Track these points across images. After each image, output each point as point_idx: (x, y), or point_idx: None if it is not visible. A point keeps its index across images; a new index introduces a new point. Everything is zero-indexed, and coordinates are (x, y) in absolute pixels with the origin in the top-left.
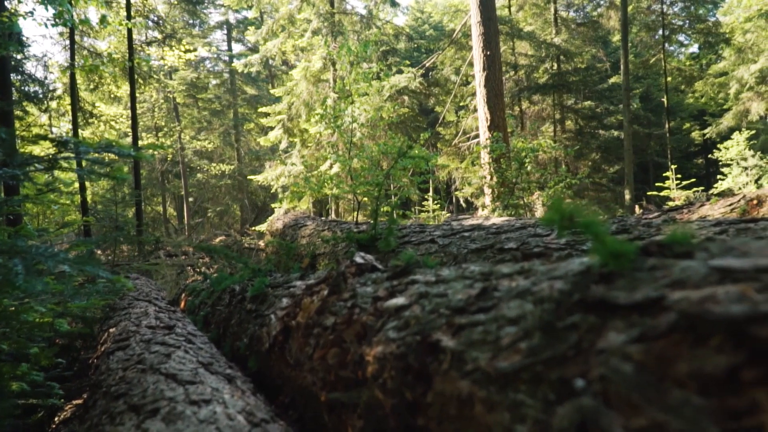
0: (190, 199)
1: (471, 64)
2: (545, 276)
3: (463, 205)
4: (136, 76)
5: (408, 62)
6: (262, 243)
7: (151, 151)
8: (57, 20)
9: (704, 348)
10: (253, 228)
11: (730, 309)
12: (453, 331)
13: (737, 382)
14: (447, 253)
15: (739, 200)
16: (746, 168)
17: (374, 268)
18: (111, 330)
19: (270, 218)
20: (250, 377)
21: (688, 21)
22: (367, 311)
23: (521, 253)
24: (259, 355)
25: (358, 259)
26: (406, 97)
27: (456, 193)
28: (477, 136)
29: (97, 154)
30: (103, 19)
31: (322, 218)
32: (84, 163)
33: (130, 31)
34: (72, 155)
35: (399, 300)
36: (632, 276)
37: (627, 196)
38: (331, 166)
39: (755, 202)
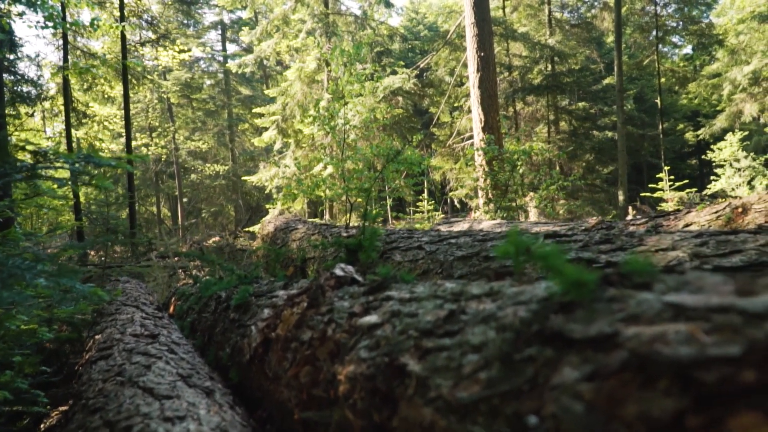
0: (185, 200)
1: (465, 65)
2: (511, 300)
3: (458, 205)
4: (129, 77)
5: (402, 63)
6: (255, 244)
7: (133, 159)
8: (47, 23)
9: (652, 390)
10: (247, 229)
11: (678, 351)
12: (420, 354)
13: (683, 429)
14: (434, 260)
15: (724, 208)
16: (739, 169)
17: (354, 281)
18: (97, 337)
19: (263, 220)
20: (232, 388)
21: (681, 22)
22: (342, 327)
23: (493, 272)
24: (241, 367)
25: (338, 272)
26: (400, 98)
27: (451, 193)
28: (471, 136)
29: (78, 164)
30: (93, 23)
31: (313, 221)
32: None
33: (123, 32)
34: (50, 166)
35: (372, 318)
36: (591, 307)
37: (621, 197)
38: (324, 168)
39: (740, 210)
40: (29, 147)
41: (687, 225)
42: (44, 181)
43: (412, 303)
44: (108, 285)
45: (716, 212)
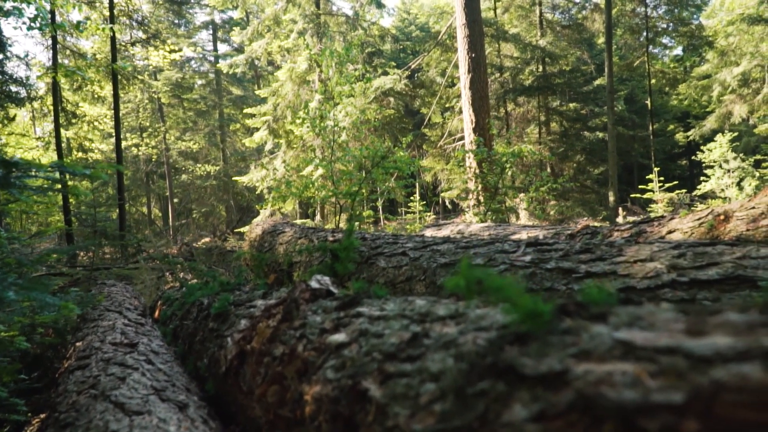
0: (175, 200)
1: (456, 66)
2: (473, 325)
3: (449, 206)
4: (119, 77)
5: (394, 64)
6: (244, 246)
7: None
8: (33, 24)
9: None
10: (238, 230)
11: (623, 395)
12: (382, 379)
13: None
14: (417, 266)
15: (707, 215)
16: (729, 170)
17: (329, 293)
18: (78, 344)
19: (251, 223)
20: (209, 400)
21: (671, 24)
22: (313, 344)
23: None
24: (217, 379)
25: (314, 284)
26: (391, 99)
27: (442, 194)
28: (462, 137)
29: (50, 172)
30: (78, 25)
31: (301, 224)
32: (40, 182)
33: (113, 32)
34: (23, 175)
35: (340, 336)
36: (545, 339)
37: (611, 198)
38: (315, 170)
39: (722, 217)
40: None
41: (670, 231)
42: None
43: (380, 322)
44: (94, 288)
45: (699, 219)
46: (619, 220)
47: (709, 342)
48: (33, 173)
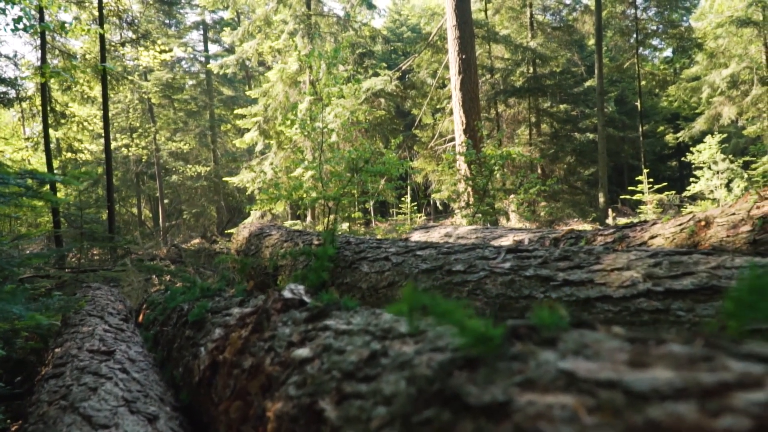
0: (166, 201)
1: (447, 67)
2: (430, 345)
3: (440, 207)
4: (108, 77)
5: (385, 65)
6: (232, 249)
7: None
8: (17, 25)
9: None
10: (228, 231)
11: None
12: (338, 399)
13: None
14: (399, 272)
15: (688, 220)
16: (718, 171)
17: (302, 303)
18: (56, 350)
19: (242, 223)
20: (183, 411)
21: (661, 26)
22: (279, 357)
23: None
24: (191, 389)
25: (287, 293)
26: (382, 100)
27: (433, 195)
28: (453, 138)
29: (21, 179)
30: (63, 26)
31: (287, 227)
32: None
33: (102, 31)
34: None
35: (304, 351)
36: (494, 366)
37: (601, 199)
38: (304, 172)
39: (703, 223)
40: None
41: (653, 236)
42: None
43: (345, 337)
44: (79, 291)
45: (680, 225)
46: (609, 221)
47: (649, 376)
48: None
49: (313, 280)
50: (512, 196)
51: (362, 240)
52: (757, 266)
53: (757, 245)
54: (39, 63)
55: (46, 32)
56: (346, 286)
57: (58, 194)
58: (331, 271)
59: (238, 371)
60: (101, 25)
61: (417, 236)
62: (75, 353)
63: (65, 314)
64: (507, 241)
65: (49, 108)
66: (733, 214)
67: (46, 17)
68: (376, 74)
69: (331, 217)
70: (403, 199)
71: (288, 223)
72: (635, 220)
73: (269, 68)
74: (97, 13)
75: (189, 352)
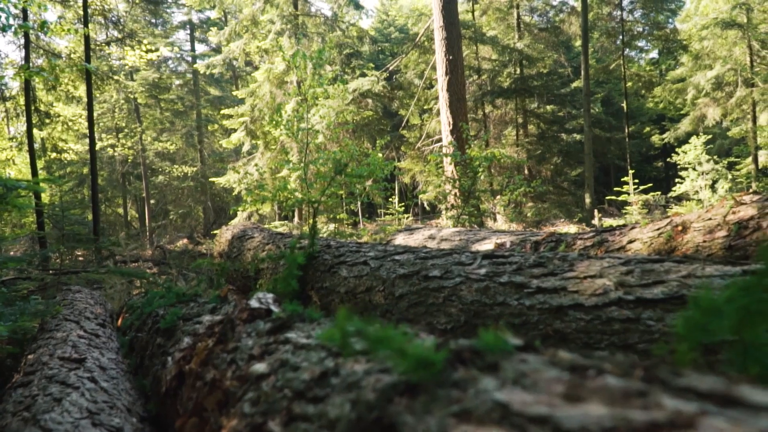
0: (152, 202)
1: (434, 68)
2: (379, 365)
3: (428, 208)
4: (93, 77)
5: (372, 65)
6: (215, 250)
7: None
8: None
9: None
10: (214, 231)
11: None
12: (286, 420)
13: None
14: (377, 277)
15: (666, 225)
16: (703, 172)
17: (269, 313)
18: (29, 357)
19: (221, 228)
20: (151, 421)
21: (647, 27)
22: (240, 371)
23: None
24: (158, 399)
25: (254, 303)
26: (370, 100)
27: (420, 196)
28: (440, 139)
29: None
30: (43, 25)
31: (270, 229)
32: None
33: (86, 30)
34: None
35: (262, 366)
36: (434, 393)
37: (587, 200)
38: (291, 173)
39: (680, 228)
40: None
41: (631, 241)
42: None
43: (302, 352)
44: (59, 294)
45: (658, 229)
46: (595, 221)
47: (581, 413)
48: None
49: (281, 288)
50: (498, 197)
51: (342, 243)
52: (727, 275)
53: (732, 251)
54: (23, 62)
55: (30, 32)
56: (325, 290)
57: (43, 195)
58: (305, 277)
59: (201, 384)
60: (86, 24)
61: (401, 238)
62: (46, 360)
63: (43, 318)
64: (489, 243)
65: (33, 108)
66: (710, 219)
67: (31, 16)
68: (364, 75)
69: (312, 220)
70: (390, 199)
71: (275, 224)
72: (615, 224)
73: (256, 68)
74: (81, 13)
75: (159, 360)
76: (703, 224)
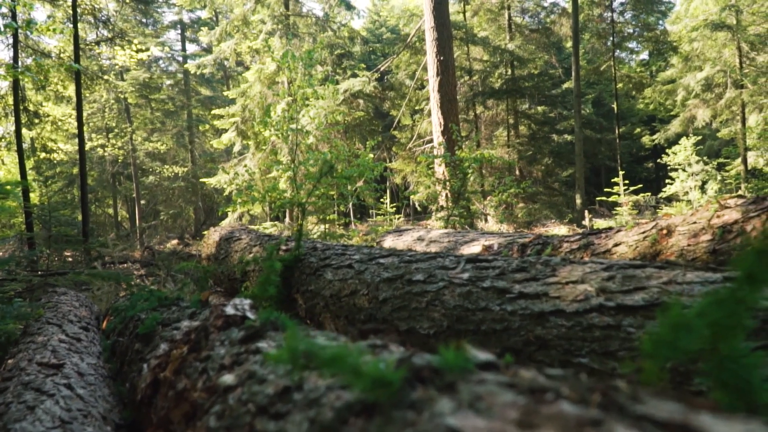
0: (142, 202)
1: (426, 69)
2: (340, 382)
3: (419, 208)
4: (83, 77)
5: (364, 65)
6: (203, 252)
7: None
8: None
9: None
10: (204, 232)
11: None
12: None
13: None
14: (361, 280)
15: (651, 228)
16: (692, 173)
17: (244, 319)
18: (9, 361)
19: (209, 230)
20: (127, 428)
21: (637, 29)
22: (210, 381)
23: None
24: (134, 407)
25: (229, 310)
26: (361, 101)
27: (411, 197)
28: (432, 140)
29: None
30: (28, 24)
31: (257, 231)
32: None
33: (76, 30)
34: None
35: (230, 377)
36: (389, 415)
37: (578, 201)
38: (281, 174)
39: (665, 231)
40: None
41: (617, 244)
42: None
43: (270, 363)
44: (44, 297)
45: (643, 233)
46: (585, 222)
47: None
48: None
49: (257, 294)
50: (490, 197)
51: (328, 246)
52: (708, 282)
53: (716, 255)
54: (12, 62)
55: (19, 31)
56: (310, 294)
57: (33, 196)
58: (290, 280)
59: (173, 393)
60: (75, 23)
61: (390, 240)
62: (24, 366)
63: (27, 322)
64: (478, 245)
65: (22, 107)
66: (694, 222)
67: (21, 15)
68: (355, 75)
69: (302, 221)
70: (382, 200)
71: (266, 225)
72: (605, 225)
73: (247, 68)
74: (71, 12)
75: (136, 366)
76: (687, 228)
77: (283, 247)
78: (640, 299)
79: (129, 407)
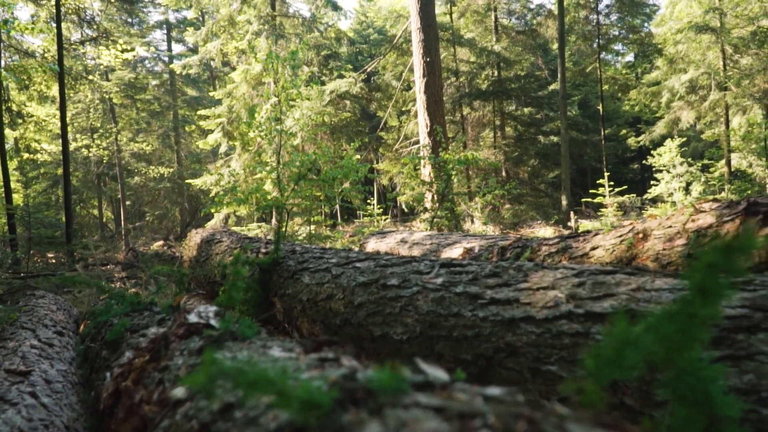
0: (128, 203)
1: (412, 70)
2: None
3: (406, 210)
4: (66, 77)
5: (350, 66)
6: (185, 254)
7: None
8: None
9: None
10: (191, 232)
11: None
12: None
13: None
14: (338, 284)
15: (627, 232)
16: (677, 175)
17: (207, 327)
18: None
19: (190, 232)
20: None
21: (623, 31)
22: (165, 393)
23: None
24: (97, 416)
25: (193, 317)
26: (347, 102)
27: (397, 198)
28: (418, 141)
29: None
30: (5, 23)
31: (238, 233)
32: None
33: (59, 30)
34: None
35: (180, 391)
36: None
37: (564, 202)
38: (267, 175)
39: (641, 235)
40: None
41: (594, 248)
42: None
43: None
44: (22, 300)
45: (620, 236)
46: (571, 223)
47: None
48: None
49: (225, 301)
50: (475, 199)
51: (307, 249)
52: (676, 289)
53: (691, 259)
54: None
55: (1, 31)
56: (288, 298)
57: (16, 196)
58: (268, 283)
59: (131, 404)
60: (59, 23)
61: (373, 242)
62: None
63: (2, 326)
64: (459, 248)
65: (5, 107)
66: (670, 227)
67: (4, 14)
68: (341, 76)
69: (282, 223)
70: (368, 201)
71: (252, 226)
72: (588, 227)
73: (234, 69)
74: (54, 11)
75: (102, 374)
76: (663, 232)
77: (263, 250)
78: (608, 306)
79: (93, 417)
